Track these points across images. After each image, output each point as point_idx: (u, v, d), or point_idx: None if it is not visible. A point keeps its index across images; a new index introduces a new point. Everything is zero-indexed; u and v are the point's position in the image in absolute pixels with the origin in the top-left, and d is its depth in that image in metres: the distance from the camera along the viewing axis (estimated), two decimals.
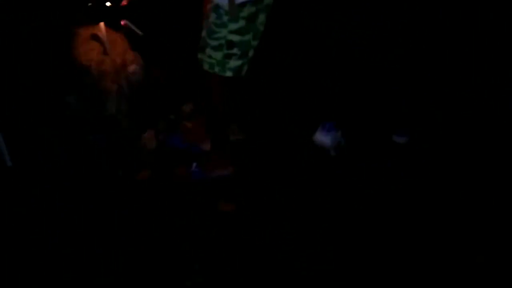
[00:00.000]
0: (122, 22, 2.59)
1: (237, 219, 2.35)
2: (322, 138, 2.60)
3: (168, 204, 2.36)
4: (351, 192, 2.49)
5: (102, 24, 2.45)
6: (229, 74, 2.20)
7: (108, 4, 2.49)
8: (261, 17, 2.13)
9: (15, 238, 2.17)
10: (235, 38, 2.11)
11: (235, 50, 2.14)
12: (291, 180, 2.53)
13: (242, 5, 2.04)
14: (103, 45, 2.49)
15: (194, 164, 2.47)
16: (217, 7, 2.06)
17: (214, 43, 2.13)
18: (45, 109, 2.29)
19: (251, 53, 2.19)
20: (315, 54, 3.07)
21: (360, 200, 2.46)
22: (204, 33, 2.16)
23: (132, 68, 2.55)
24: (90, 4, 2.47)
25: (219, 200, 2.38)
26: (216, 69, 2.19)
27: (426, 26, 3.02)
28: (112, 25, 2.58)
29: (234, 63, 2.17)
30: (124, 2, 2.52)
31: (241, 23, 2.08)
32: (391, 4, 3.09)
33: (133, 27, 2.59)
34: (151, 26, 2.73)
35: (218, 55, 2.15)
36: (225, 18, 2.06)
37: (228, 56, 2.15)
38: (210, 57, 2.17)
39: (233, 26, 2.08)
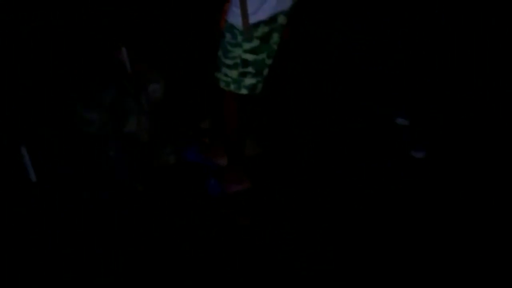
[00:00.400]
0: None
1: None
2: (402, 121, 3.00)
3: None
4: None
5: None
6: (244, 91, 2.26)
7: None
8: (275, 37, 2.18)
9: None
10: (249, 57, 2.17)
11: (250, 69, 2.20)
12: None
13: (256, 25, 2.10)
14: (124, 64, 2.57)
15: (212, 179, 2.53)
16: (231, 27, 2.13)
17: (229, 62, 2.20)
18: (62, 123, 2.36)
19: (265, 72, 2.25)
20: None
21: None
22: (219, 53, 2.23)
23: (152, 86, 2.63)
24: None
25: (235, 214, 2.44)
26: (232, 87, 2.25)
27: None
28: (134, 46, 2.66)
29: (249, 81, 2.23)
30: None
31: (255, 42, 2.14)
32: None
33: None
34: (170, 45, 2.81)
35: (234, 73, 2.22)
36: (240, 38, 2.13)
37: (243, 74, 2.21)
38: (225, 75, 2.24)
39: (247, 45, 2.14)
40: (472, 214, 2.47)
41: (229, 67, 2.21)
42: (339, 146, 2.80)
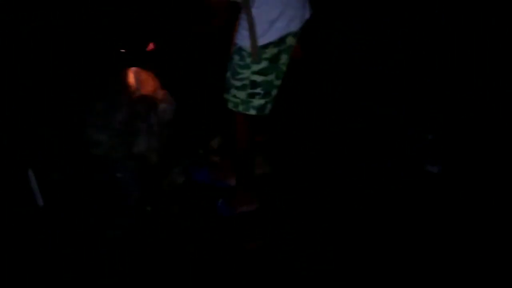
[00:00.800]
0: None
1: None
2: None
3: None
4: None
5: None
6: (252, 112, 2.25)
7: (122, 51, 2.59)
8: (284, 58, 2.17)
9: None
10: (258, 78, 2.16)
11: (258, 90, 2.19)
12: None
13: (265, 47, 2.09)
14: (133, 85, 2.57)
15: (221, 200, 2.52)
16: (240, 49, 2.12)
17: (238, 83, 2.19)
18: (70, 144, 2.37)
19: (274, 92, 2.25)
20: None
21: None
22: (228, 74, 2.23)
23: (162, 106, 2.63)
24: (123, 50, 2.57)
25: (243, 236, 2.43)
26: (240, 108, 2.24)
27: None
28: (143, 65, 2.67)
29: (257, 102, 2.22)
30: (151, 47, 2.62)
31: (264, 64, 2.13)
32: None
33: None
34: (179, 65, 2.82)
35: (242, 94, 2.21)
36: (248, 60, 2.12)
37: (252, 96, 2.20)
38: (234, 96, 2.23)
39: (256, 67, 2.13)
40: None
41: (237, 88, 2.20)
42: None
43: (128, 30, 2.65)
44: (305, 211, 2.48)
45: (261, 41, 2.07)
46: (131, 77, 2.55)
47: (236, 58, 2.15)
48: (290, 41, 2.15)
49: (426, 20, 3.28)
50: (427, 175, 2.70)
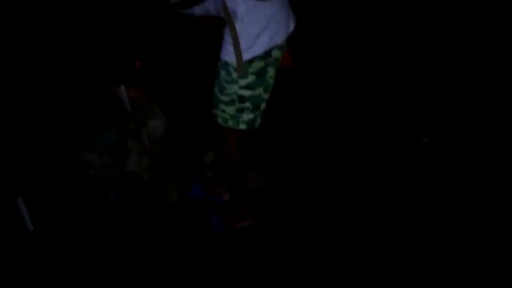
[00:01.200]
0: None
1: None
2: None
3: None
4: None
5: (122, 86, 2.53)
6: (242, 127, 2.23)
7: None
8: (270, 71, 2.15)
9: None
10: (246, 93, 2.14)
11: (247, 104, 2.17)
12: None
13: (251, 61, 2.08)
14: (123, 103, 2.55)
15: (214, 216, 2.49)
16: (226, 64, 2.11)
17: (225, 98, 2.17)
18: (59, 167, 2.37)
19: (263, 106, 2.23)
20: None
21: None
22: (216, 90, 2.21)
23: (153, 123, 2.60)
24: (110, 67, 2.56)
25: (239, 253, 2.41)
26: (230, 123, 2.23)
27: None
28: (133, 82, 2.65)
29: (246, 116, 2.21)
30: (138, 64, 2.60)
31: (251, 78, 2.11)
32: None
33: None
34: (169, 80, 2.80)
35: (231, 109, 2.19)
36: (235, 75, 2.10)
37: (241, 110, 2.19)
38: (223, 112, 2.21)
39: (243, 81, 2.12)
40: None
41: (226, 103, 2.18)
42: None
43: (115, 47, 2.63)
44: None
45: (247, 56, 2.06)
46: (120, 95, 2.53)
47: (223, 73, 2.13)
48: (276, 54, 2.13)
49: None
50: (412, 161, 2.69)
